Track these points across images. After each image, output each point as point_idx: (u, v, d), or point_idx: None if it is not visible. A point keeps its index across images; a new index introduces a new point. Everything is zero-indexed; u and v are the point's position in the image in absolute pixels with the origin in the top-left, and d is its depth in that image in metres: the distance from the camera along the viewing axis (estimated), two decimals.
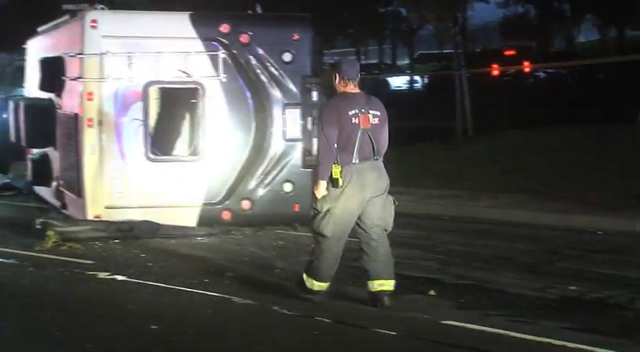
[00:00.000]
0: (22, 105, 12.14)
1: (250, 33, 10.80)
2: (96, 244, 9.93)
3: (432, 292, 7.75)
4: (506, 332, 6.54)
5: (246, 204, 10.95)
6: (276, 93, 10.93)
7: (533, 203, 12.66)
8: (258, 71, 10.86)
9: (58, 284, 8.08)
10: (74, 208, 11.03)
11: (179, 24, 10.59)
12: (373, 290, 7.23)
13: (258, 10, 11.33)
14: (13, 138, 12.98)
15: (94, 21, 10.27)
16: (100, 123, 10.40)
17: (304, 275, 7.32)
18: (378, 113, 7.20)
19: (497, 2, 43.99)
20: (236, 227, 10.83)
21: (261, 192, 10.99)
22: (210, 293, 7.69)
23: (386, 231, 7.32)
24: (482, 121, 18.64)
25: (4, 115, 14.73)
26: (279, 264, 9.02)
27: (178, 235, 10.42)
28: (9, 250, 9.52)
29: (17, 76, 15.71)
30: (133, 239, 10.15)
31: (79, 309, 7.19)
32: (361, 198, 7.09)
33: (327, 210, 7.06)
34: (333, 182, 7.03)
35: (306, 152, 11.07)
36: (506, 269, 8.78)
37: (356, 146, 7.02)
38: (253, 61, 10.83)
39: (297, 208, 11.04)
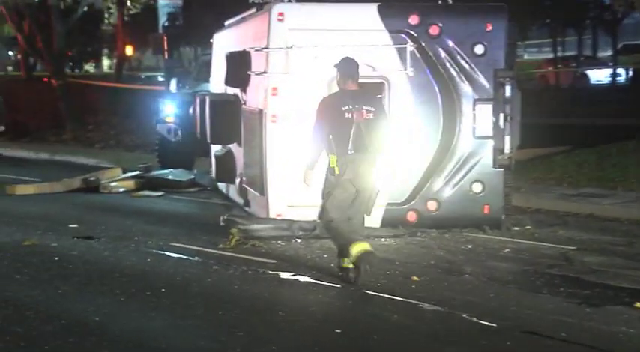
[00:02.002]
0: (207, 100, 12.63)
1: (440, 24, 10.76)
2: (278, 243, 10.20)
3: (637, 304, 7.45)
4: None
5: (432, 205, 10.93)
6: (466, 87, 10.85)
7: None
8: (448, 64, 10.81)
9: (242, 283, 8.37)
10: (257, 206, 11.35)
11: (366, 15, 10.69)
12: (355, 255, 8.17)
13: (449, 0, 11.27)
14: (198, 134, 13.53)
15: (280, 14, 10.53)
16: (285, 119, 10.64)
17: (340, 261, 8.39)
18: (373, 109, 8.30)
19: None
20: (421, 228, 10.82)
21: (448, 192, 10.94)
22: (395, 297, 7.74)
23: (365, 214, 8.51)
24: None
25: (190, 111, 15.40)
26: (467, 268, 8.94)
27: (362, 235, 10.49)
28: (194, 247, 9.94)
29: (202, 71, 16.34)
30: (315, 238, 10.34)
31: (262, 310, 7.41)
32: (356, 184, 8.28)
33: (328, 194, 8.31)
34: (330, 171, 8.26)
35: (498, 151, 10.91)
36: None
37: (350, 138, 8.14)
38: (443, 54, 10.79)
39: (486, 210, 10.92)
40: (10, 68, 53.45)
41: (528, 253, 9.80)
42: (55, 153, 22.07)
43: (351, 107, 8.19)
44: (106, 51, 54.29)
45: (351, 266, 8.23)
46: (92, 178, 15.05)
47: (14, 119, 27.81)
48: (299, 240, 10.33)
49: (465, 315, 7.13)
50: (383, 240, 10.45)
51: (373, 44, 10.59)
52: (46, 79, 25.53)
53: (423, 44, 10.76)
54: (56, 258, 9.34)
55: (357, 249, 8.14)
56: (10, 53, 56.09)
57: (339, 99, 8.32)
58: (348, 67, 8.47)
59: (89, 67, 56.94)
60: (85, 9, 31.42)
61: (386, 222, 10.83)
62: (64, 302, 7.57)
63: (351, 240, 8.22)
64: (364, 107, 8.23)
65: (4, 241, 10.23)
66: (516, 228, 11.11)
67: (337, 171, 8.19)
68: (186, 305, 7.51)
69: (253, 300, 7.71)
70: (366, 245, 8.22)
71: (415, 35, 10.74)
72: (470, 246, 10.15)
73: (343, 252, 8.30)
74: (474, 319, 7.03)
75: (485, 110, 10.86)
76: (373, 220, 10.74)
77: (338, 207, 8.30)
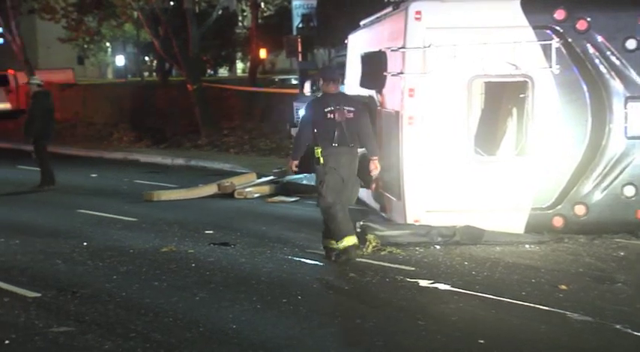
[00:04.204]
0: None
1: (589, 18, 10.49)
2: (417, 250, 10.15)
3: None
4: None
5: (580, 210, 10.66)
6: (617, 85, 10.53)
7: None
8: (597, 61, 10.52)
9: (379, 290, 8.38)
10: (394, 211, 11.33)
11: (509, 11, 10.51)
12: (339, 247, 9.54)
13: None
14: None
15: (418, 12, 10.48)
16: (422, 120, 10.59)
17: (326, 243, 9.74)
18: (353, 109, 9.72)
19: None
20: (568, 234, 10.57)
21: (597, 196, 10.64)
22: (541, 307, 7.59)
23: (349, 204, 9.90)
24: None
25: None
26: (620, 276, 8.68)
27: (504, 242, 10.35)
28: None
29: None
30: (455, 245, 10.26)
31: (401, 318, 7.40)
32: (340, 173, 9.66)
33: (321, 182, 9.68)
34: (316, 161, 9.71)
35: None
36: None
37: (334, 135, 9.56)
38: (591, 50, 10.51)
39: None
40: (145, 74, 55.27)
41: None
42: (190, 158, 22.66)
43: (332, 108, 9.62)
44: (239, 54, 55.39)
45: (335, 246, 9.55)
46: (227, 184, 15.36)
47: (149, 125, 28.71)
48: (438, 247, 10.26)
49: (618, 327, 6.93)
50: (527, 246, 10.27)
51: (516, 41, 10.41)
52: (189, 86, 26.13)
53: (570, 40, 10.51)
54: (193, 265, 9.58)
55: (348, 241, 9.50)
56: (146, 58, 58.02)
57: (322, 101, 9.79)
58: (329, 73, 10.12)
59: (223, 71, 58.25)
60: (220, 12, 32.11)
61: (530, 228, 10.63)
62: (201, 309, 7.76)
63: (345, 231, 9.53)
64: (345, 107, 9.65)
65: (143, 248, 10.57)
66: None
67: (321, 161, 9.65)
68: (323, 313, 7.57)
69: (391, 309, 7.71)
70: (355, 239, 9.62)
71: (561, 31, 10.50)
72: (622, 253, 9.85)
73: (331, 234, 9.64)
74: (629, 330, 6.83)
75: (638, 108, 10.52)
76: (516, 225, 10.61)
77: (332, 190, 9.61)
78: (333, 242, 9.62)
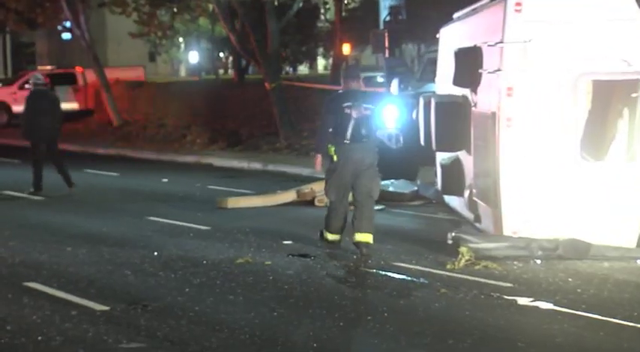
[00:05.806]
0: (432, 103, 12.66)
1: None
2: (515, 264, 10.06)
3: None
4: None
5: None
6: None
7: None
8: None
9: (474, 308, 8.30)
10: (489, 221, 11.25)
11: (619, 3, 10.35)
12: (356, 240, 10.60)
13: None
14: (422, 140, 13.57)
15: (518, 4, 10.39)
16: (521, 122, 10.49)
17: (323, 230, 11.01)
18: (371, 106, 10.70)
19: None
20: None
21: None
22: None
23: (371, 197, 10.74)
24: None
25: (413, 115, 15.46)
26: None
27: (613, 257, 10.21)
28: (419, 268, 9.98)
29: (427, 70, 16.37)
30: (558, 259, 10.14)
31: (498, 339, 7.34)
32: (352, 170, 10.64)
33: (328, 180, 10.80)
34: (329, 158, 10.76)
35: None
36: None
37: (348, 131, 10.54)
38: None
39: None
40: (220, 71, 55.89)
41: None
42: (267, 162, 22.79)
43: (350, 104, 10.58)
44: (320, 50, 55.64)
45: (335, 239, 10.86)
46: (307, 190, 15.38)
47: (224, 126, 28.97)
48: (539, 261, 10.16)
49: None
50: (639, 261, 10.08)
51: (628, 36, 10.25)
52: (267, 85, 26.24)
53: None
54: (271, 278, 9.63)
55: (359, 237, 10.50)
56: (221, 55, 58.70)
57: (342, 97, 10.84)
58: (350, 71, 11.51)
59: (303, 68, 58.59)
60: (301, 4, 32.23)
61: None
62: (280, 326, 7.79)
63: (357, 227, 10.55)
64: (363, 105, 10.61)
65: (217, 259, 10.65)
66: None
67: (335, 159, 10.66)
68: (412, 332, 7.53)
69: (487, 329, 7.64)
70: (369, 237, 10.52)
71: None
72: None
73: (329, 227, 10.90)
74: None
75: None
76: (627, 238, 10.43)
77: (336, 190, 10.72)
78: (329, 234, 10.94)
